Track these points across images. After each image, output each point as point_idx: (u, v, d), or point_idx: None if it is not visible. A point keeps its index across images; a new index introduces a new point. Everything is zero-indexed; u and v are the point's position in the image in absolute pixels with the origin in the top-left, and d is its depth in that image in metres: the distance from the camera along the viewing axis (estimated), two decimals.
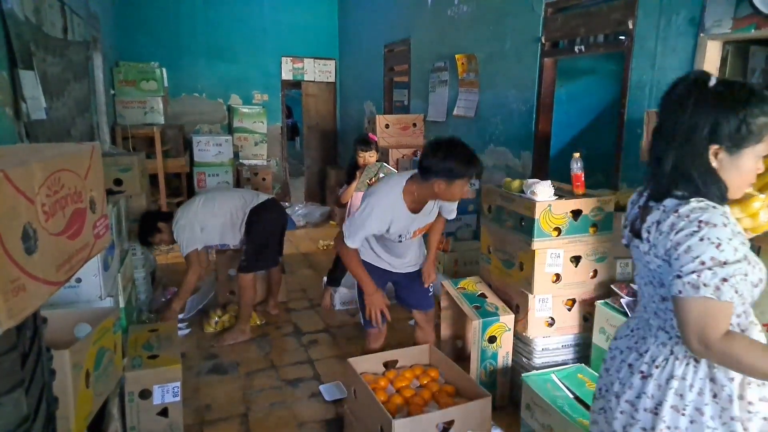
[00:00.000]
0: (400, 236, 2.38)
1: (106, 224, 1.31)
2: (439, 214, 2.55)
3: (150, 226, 3.39)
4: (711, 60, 2.58)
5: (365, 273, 2.43)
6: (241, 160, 7.14)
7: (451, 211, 2.55)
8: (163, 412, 2.27)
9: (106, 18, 5.63)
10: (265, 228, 3.47)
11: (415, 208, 2.33)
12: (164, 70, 6.28)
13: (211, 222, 3.39)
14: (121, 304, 2.66)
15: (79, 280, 2.16)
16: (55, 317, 1.72)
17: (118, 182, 3.26)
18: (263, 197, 3.57)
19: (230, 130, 7.34)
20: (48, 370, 1.18)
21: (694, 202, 1.17)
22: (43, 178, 0.98)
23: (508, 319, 2.64)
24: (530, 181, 2.55)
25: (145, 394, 2.22)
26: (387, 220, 2.28)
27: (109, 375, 1.76)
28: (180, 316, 3.78)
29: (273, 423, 2.65)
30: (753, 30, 2.32)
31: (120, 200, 2.99)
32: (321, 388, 2.95)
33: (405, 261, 2.59)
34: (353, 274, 2.46)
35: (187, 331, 3.61)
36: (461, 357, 3.00)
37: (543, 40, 3.65)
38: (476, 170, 2.16)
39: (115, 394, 1.96)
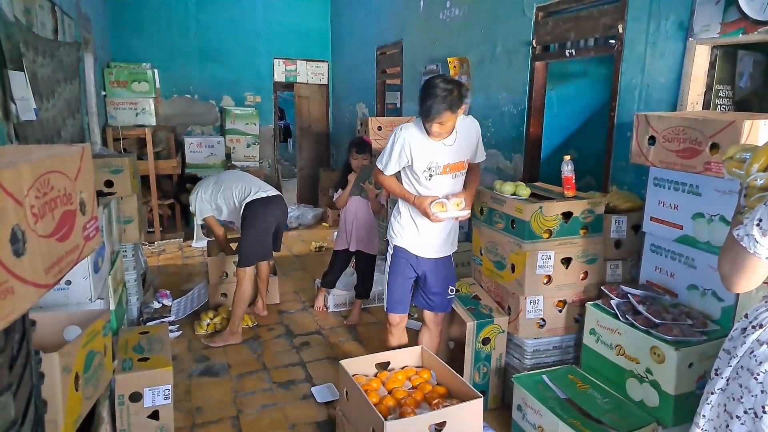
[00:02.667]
0: (429, 169, 2.43)
1: (96, 226, 1.30)
2: (475, 165, 2.64)
3: (181, 187, 4.02)
4: (699, 64, 2.60)
5: (403, 189, 2.55)
6: (233, 162, 7.12)
7: (481, 154, 2.61)
8: (154, 414, 2.25)
9: (98, 19, 5.60)
10: (257, 225, 3.51)
11: (438, 134, 2.37)
12: (156, 71, 6.25)
13: (219, 201, 3.68)
14: (112, 307, 2.64)
15: (68, 283, 2.15)
16: (44, 320, 1.71)
17: (108, 184, 3.23)
18: (260, 194, 3.58)
19: (222, 131, 7.33)
20: (37, 374, 1.18)
21: None
22: (32, 179, 0.97)
23: (502, 320, 2.65)
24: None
25: (136, 397, 2.21)
26: (407, 146, 2.41)
27: (99, 378, 1.74)
28: (171, 318, 3.76)
29: (264, 425, 2.65)
30: (741, 34, 2.35)
31: (111, 202, 2.97)
32: (313, 390, 2.94)
33: (440, 238, 2.56)
34: (396, 194, 2.57)
35: (178, 333, 3.59)
36: (453, 358, 3.01)
37: (534, 44, 3.68)
38: (424, 111, 2.28)
39: (105, 396, 1.95)
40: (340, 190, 3.84)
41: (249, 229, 3.50)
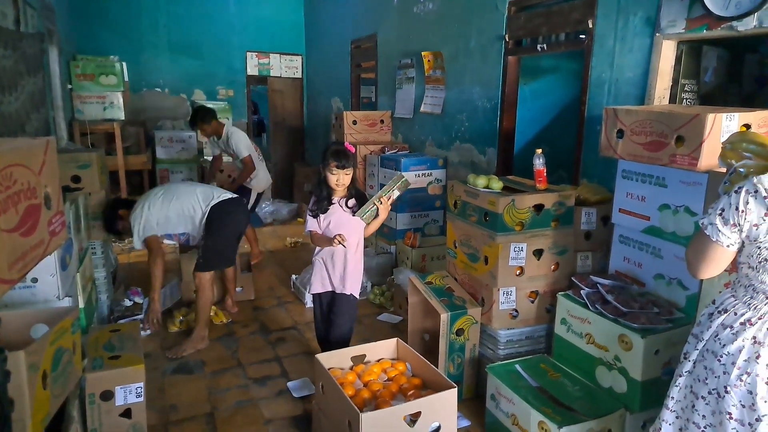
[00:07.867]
0: None
1: (62, 221, 1.27)
2: None
3: (113, 214, 3.43)
4: (666, 59, 2.67)
5: None
6: (205, 157, 7.01)
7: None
8: (126, 413, 2.22)
9: (62, 10, 5.44)
10: (226, 227, 3.39)
11: None
12: (124, 64, 6.11)
13: (170, 212, 3.39)
14: (81, 305, 2.59)
15: (35, 280, 2.09)
16: (10, 318, 1.67)
17: (76, 179, 3.15)
18: (226, 195, 3.49)
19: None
20: (2, 372, 1.15)
21: None
22: None
23: (475, 312, 2.69)
24: None
25: (107, 396, 2.17)
26: None
27: (68, 376, 1.71)
28: (142, 315, 3.70)
29: (239, 421, 2.63)
30: (705, 30, 2.42)
31: (78, 198, 2.90)
32: (289, 384, 2.94)
33: None
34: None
35: (150, 331, 3.53)
36: (428, 350, 3.04)
37: (507, 38, 3.71)
38: None
39: (74, 395, 1.92)
40: (320, 216, 2.66)
41: (218, 232, 3.34)
